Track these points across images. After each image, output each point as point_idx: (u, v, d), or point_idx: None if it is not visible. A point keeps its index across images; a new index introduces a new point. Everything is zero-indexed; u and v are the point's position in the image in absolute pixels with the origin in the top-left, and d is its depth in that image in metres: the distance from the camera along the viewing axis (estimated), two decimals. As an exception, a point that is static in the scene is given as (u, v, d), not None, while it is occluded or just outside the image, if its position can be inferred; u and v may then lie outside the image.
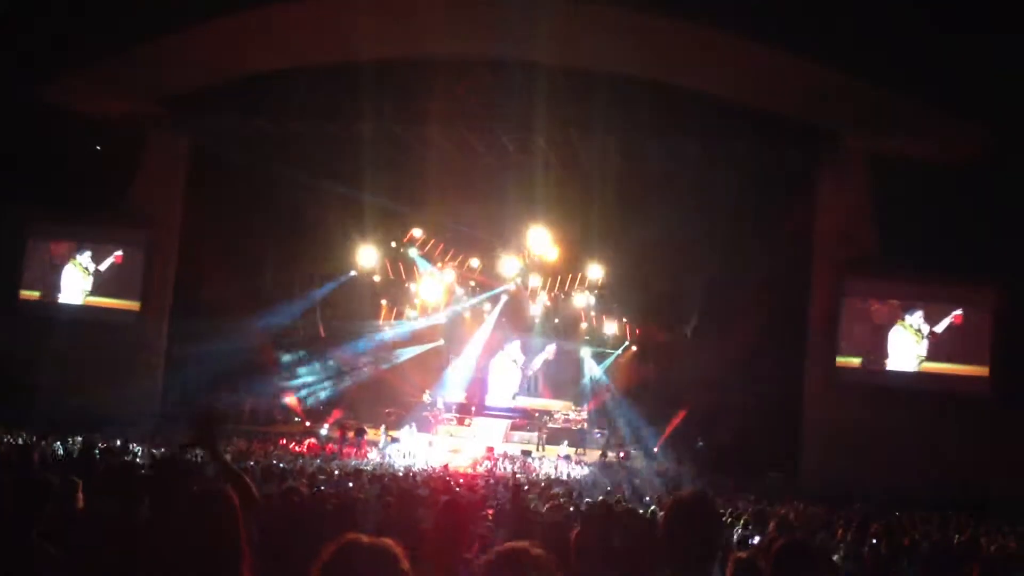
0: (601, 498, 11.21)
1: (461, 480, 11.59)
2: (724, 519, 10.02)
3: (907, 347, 17.63)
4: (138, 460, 9.92)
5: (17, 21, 15.44)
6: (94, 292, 19.68)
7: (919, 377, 17.54)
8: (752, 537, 7.82)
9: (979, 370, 17.36)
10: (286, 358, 22.02)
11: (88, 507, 3.97)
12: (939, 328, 17.60)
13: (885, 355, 17.75)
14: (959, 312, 17.59)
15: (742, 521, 9.24)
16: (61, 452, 10.61)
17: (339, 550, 1.98)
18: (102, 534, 3.42)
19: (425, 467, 15.10)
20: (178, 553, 2.55)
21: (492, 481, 12.14)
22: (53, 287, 19.74)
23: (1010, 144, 15.20)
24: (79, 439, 12.39)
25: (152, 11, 16.04)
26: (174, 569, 2.56)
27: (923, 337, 17.60)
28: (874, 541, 8.57)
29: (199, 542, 2.52)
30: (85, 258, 19.76)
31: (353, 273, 22.45)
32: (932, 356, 17.57)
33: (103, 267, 19.74)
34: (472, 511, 6.54)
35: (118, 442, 12.43)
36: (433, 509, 6.80)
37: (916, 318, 17.66)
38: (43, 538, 3.28)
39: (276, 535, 4.31)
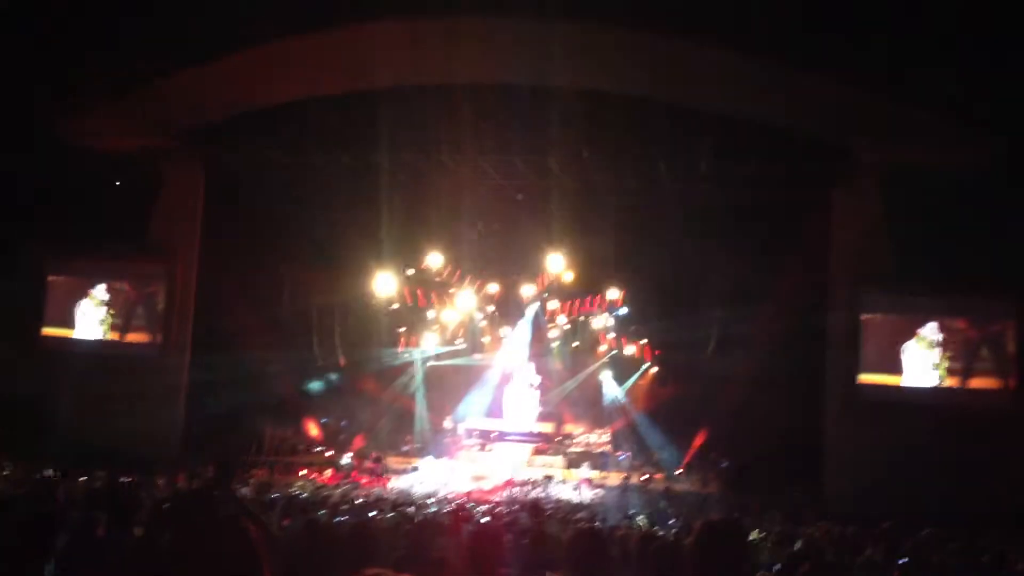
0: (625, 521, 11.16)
1: (483, 507, 11.55)
2: (753, 541, 9.95)
3: (927, 362, 17.46)
4: (160, 493, 9.96)
5: (32, 59, 15.72)
6: (114, 327, 19.80)
7: (940, 392, 17.35)
8: (775, 562, 7.73)
9: (1002, 383, 17.16)
10: (306, 387, 22.08)
11: (110, 539, 4.00)
12: (959, 342, 17.44)
13: (907, 371, 17.57)
14: (979, 325, 17.42)
15: (768, 542, 9.16)
16: (85, 487, 10.63)
17: None
18: (124, 566, 3.44)
19: (447, 495, 15.05)
20: None
21: (515, 507, 12.07)
22: (74, 323, 19.88)
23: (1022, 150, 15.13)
24: (102, 473, 12.45)
25: (167, 47, 16.30)
26: None
27: (943, 351, 17.42)
28: (902, 560, 8.47)
29: (220, 572, 2.53)
30: (105, 293, 19.90)
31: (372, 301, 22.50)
32: (953, 371, 17.39)
33: (123, 301, 19.88)
34: (496, 539, 6.51)
35: (135, 477, 12.46)
36: (455, 538, 6.78)
37: (935, 332, 17.48)
38: (63, 571, 3.30)
39: (298, 568, 4.30)
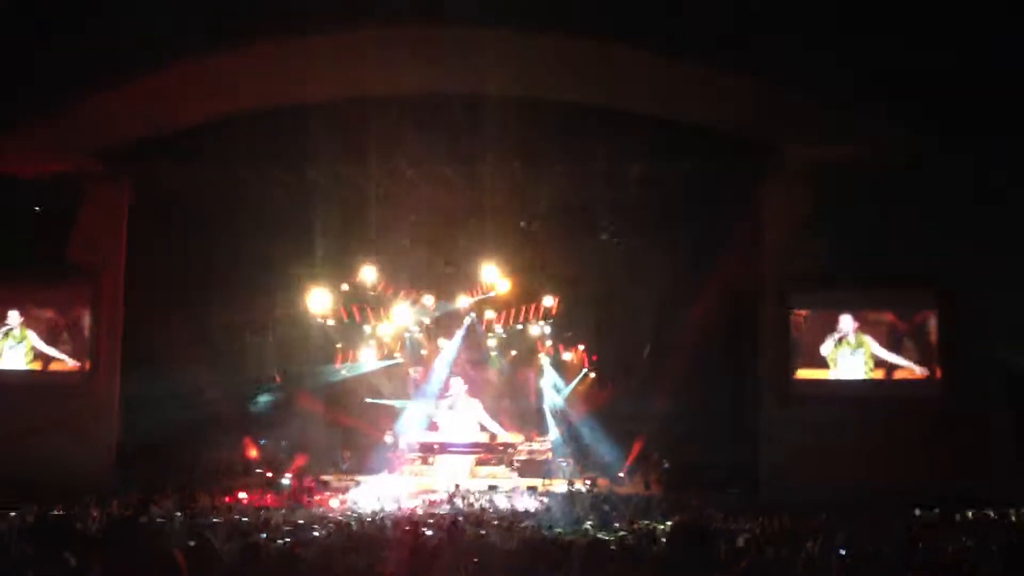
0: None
1: (430, 521, 11.49)
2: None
3: (856, 355, 17.98)
4: (93, 523, 9.66)
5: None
6: (37, 355, 19.17)
7: (869, 384, 17.89)
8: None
9: (926, 373, 17.77)
10: (243, 407, 21.66)
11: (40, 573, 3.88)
12: (884, 334, 18.00)
13: (836, 364, 18.06)
14: (903, 317, 18.02)
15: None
16: (17, 521, 10.27)
17: None
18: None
19: (390, 510, 14.92)
20: None
21: (460, 519, 12.05)
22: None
23: (945, 145, 15.67)
24: (33, 507, 12.04)
25: (85, 67, 15.86)
26: None
27: (871, 344, 17.97)
28: (841, 552, 8.70)
29: None
30: (26, 320, 19.27)
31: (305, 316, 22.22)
32: (880, 363, 17.94)
33: (46, 328, 19.27)
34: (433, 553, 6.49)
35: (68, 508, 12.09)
36: (402, 553, 6.74)
37: (864, 325, 18.03)
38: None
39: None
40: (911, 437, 16.85)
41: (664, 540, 3.17)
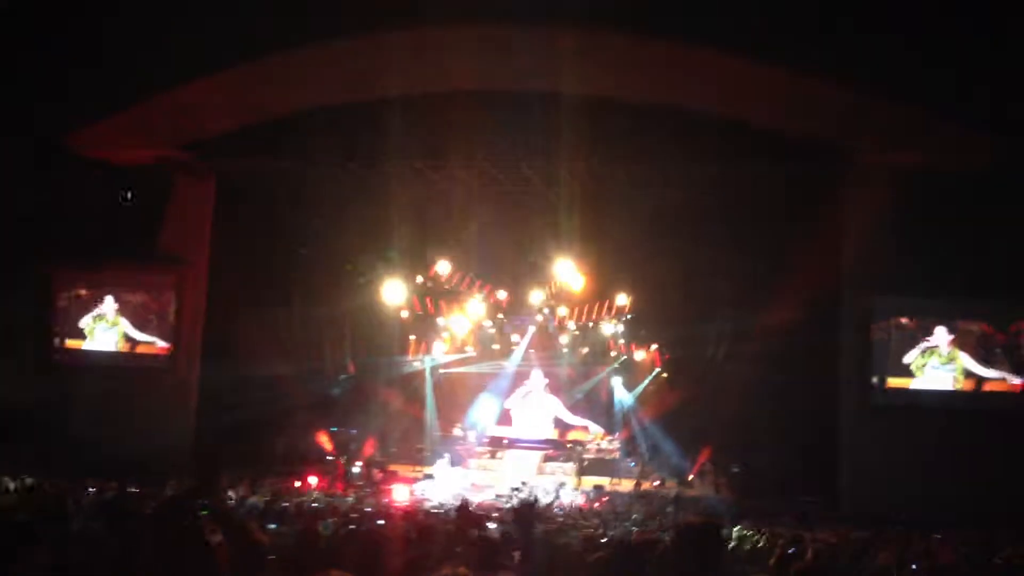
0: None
1: (495, 514, 11.51)
2: (760, 544, 9.88)
3: (946, 366, 17.32)
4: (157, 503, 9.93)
5: (39, 72, 15.83)
6: (125, 338, 19.87)
7: (958, 395, 17.22)
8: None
9: (1018, 385, 17.02)
10: (317, 396, 22.07)
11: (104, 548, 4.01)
12: (972, 344, 17.30)
13: (922, 373, 17.44)
14: (993, 326, 17.28)
15: (779, 545, 9.08)
16: (95, 498, 10.65)
17: None
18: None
19: (455, 502, 15.01)
20: None
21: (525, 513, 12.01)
22: (85, 336, 19.95)
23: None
24: (114, 484, 12.47)
25: (175, 58, 16.37)
26: None
27: (962, 355, 17.29)
28: (913, 567, 8.40)
29: None
30: (116, 305, 19.98)
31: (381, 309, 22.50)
32: (970, 374, 17.24)
33: (133, 313, 19.95)
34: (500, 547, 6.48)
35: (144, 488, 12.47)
36: (462, 545, 6.75)
37: (947, 335, 17.35)
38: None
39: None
40: (999, 450, 16.18)
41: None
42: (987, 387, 17.18)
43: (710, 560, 2.93)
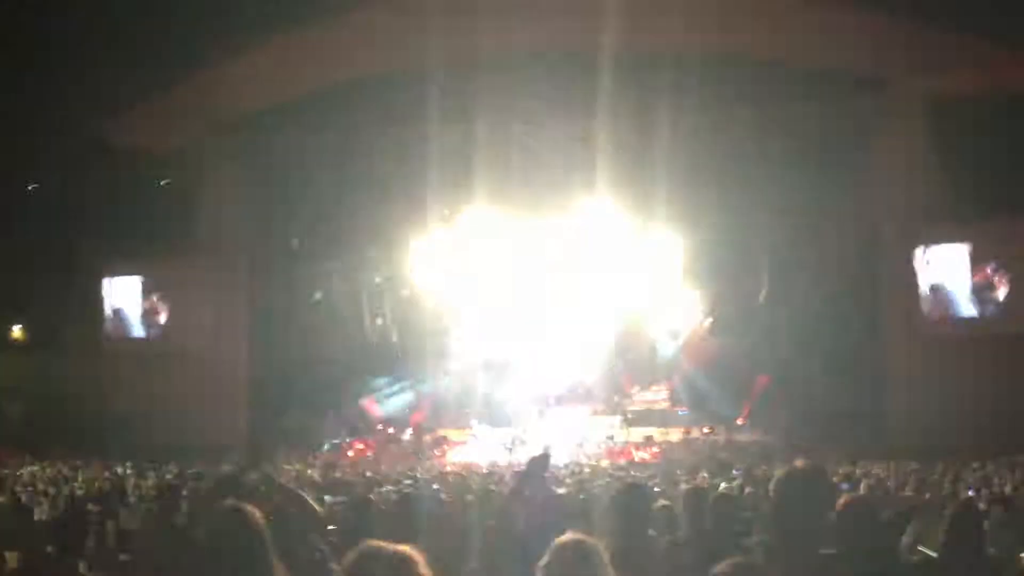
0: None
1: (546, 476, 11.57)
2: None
3: (984, 292, 16.97)
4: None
5: (70, 66, 16.01)
6: (172, 323, 20.15)
7: (999, 321, 16.88)
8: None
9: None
10: (363, 367, 22.24)
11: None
12: (1016, 270, 16.89)
13: (963, 302, 17.11)
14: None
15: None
16: (153, 483, 10.93)
17: (358, 557, 2.03)
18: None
19: (506, 466, 15.13)
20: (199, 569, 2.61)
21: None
22: (132, 323, 20.29)
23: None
24: (173, 467, 12.78)
25: (203, 40, 16.46)
26: None
27: (1002, 280, 16.91)
28: (970, 492, 8.33)
29: (217, 557, 2.58)
30: (160, 291, 20.26)
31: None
32: (1012, 298, 16.86)
33: (178, 298, 20.20)
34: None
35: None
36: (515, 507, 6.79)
37: (991, 261, 16.96)
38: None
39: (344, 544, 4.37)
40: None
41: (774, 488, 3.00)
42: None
43: (819, 505, 2.88)
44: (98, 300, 20.22)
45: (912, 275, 17.33)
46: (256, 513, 2.64)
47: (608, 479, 10.31)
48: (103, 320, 20.21)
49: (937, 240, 17.42)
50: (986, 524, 4.49)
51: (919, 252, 17.36)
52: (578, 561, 2.40)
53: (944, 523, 3.35)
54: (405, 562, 2.02)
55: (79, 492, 9.59)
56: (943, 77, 15.96)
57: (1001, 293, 16.94)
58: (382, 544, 2.05)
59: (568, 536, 2.46)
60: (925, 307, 17.33)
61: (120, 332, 20.28)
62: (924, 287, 17.31)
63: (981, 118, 15.60)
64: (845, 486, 8.61)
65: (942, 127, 16.18)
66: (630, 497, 4.05)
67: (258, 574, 2.58)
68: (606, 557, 2.45)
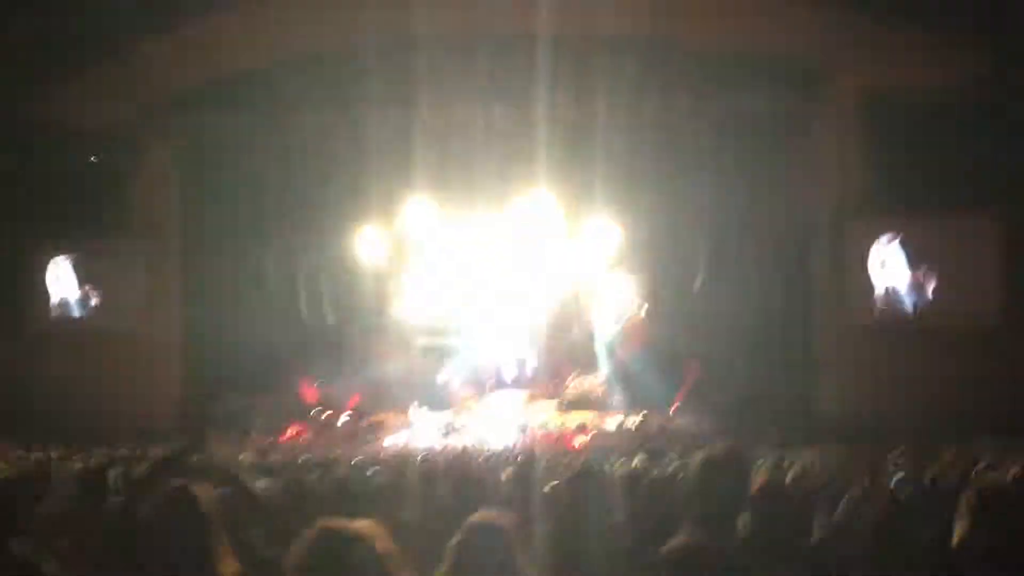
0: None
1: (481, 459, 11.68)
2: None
3: (915, 284, 17.56)
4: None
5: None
6: (102, 305, 19.70)
7: (927, 313, 17.49)
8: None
9: (984, 300, 17.29)
10: (299, 350, 21.99)
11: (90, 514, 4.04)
12: (947, 262, 17.52)
13: (892, 293, 17.68)
14: (961, 244, 17.49)
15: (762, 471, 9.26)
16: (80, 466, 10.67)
17: (317, 536, 2.03)
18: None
19: (441, 449, 15.19)
20: (142, 551, 2.59)
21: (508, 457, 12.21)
22: (60, 305, 19.79)
23: (1013, 61, 15.04)
24: (98, 452, 12.49)
25: (133, 17, 16.05)
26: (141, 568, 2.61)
27: (929, 273, 17.53)
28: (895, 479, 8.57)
29: (164, 539, 2.56)
30: (90, 272, 19.79)
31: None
32: (940, 290, 17.48)
33: (109, 279, 19.77)
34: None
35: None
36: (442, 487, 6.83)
37: (922, 254, 17.56)
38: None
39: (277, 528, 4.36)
40: (967, 366, 16.50)
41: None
42: (955, 303, 17.44)
43: (736, 489, 2.94)
44: (24, 282, 19.65)
45: (844, 266, 17.82)
46: (204, 493, 2.63)
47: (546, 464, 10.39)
48: (30, 302, 19.66)
49: (870, 233, 17.93)
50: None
51: (851, 244, 17.87)
52: (489, 539, 2.43)
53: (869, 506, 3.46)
54: (366, 538, 2.03)
55: (2, 476, 9.31)
56: (880, 70, 16.35)
57: (931, 286, 17.53)
58: (340, 521, 2.06)
59: (479, 515, 2.49)
60: (856, 297, 17.84)
61: (48, 314, 19.76)
62: (856, 278, 17.83)
63: (916, 112, 16.05)
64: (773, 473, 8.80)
65: (877, 120, 16.60)
66: (583, 482, 4.11)
67: (207, 555, 2.57)
68: (523, 537, 2.48)
